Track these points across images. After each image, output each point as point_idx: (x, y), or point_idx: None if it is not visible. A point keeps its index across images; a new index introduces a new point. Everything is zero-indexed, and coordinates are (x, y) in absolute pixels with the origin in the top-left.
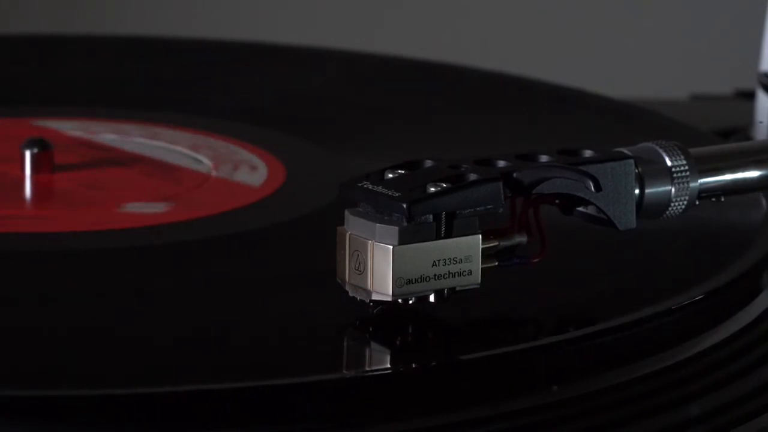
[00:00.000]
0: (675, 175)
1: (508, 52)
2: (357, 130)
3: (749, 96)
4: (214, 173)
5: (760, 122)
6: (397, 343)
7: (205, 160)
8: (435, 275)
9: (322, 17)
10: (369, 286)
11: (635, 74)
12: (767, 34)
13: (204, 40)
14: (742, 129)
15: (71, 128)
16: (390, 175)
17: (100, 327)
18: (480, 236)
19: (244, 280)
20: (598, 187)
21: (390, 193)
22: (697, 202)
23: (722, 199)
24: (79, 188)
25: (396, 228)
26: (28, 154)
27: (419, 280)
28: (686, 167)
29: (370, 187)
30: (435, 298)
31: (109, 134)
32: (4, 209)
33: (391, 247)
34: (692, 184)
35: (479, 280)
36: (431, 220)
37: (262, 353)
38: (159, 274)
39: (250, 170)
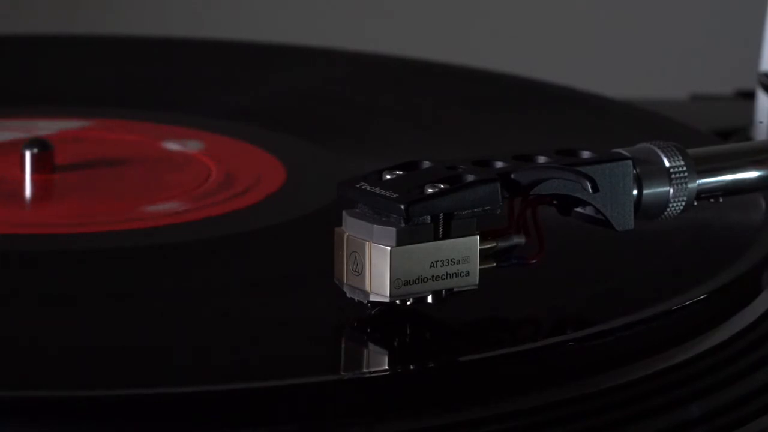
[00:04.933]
0: (673, 175)
1: (508, 52)
2: (357, 130)
3: (749, 96)
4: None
5: (760, 122)
6: (395, 344)
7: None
8: (433, 276)
9: (322, 17)
10: (367, 287)
11: (635, 74)
12: (767, 34)
13: (204, 40)
14: (742, 129)
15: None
16: (388, 176)
17: (99, 327)
18: (478, 237)
19: (243, 280)
20: (595, 188)
21: (388, 194)
22: (695, 203)
23: (721, 200)
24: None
25: (394, 229)
26: (28, 154)
27: (417, 281)
28: (684, 168)
29: (368, 188)
30: (433, 299)
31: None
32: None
33: (388, 248)
34: (690, 185)
35: (477, 281)
36: (429, 221)
37: (260, 354)
38: (159, 274)
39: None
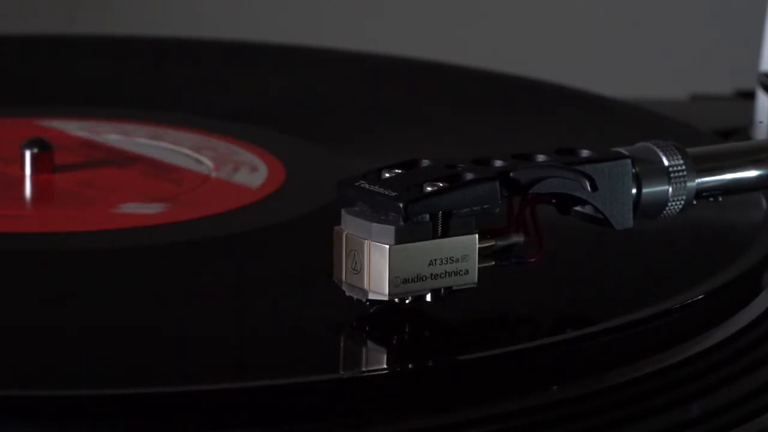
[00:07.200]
0: (672, 174)
1: (508, 52)
2: (357, 130)
3: (749, 96)
4: (214, 173)
5: (760, 122)
6: (394, 343)
7: (206, 161)
8: (432, 275)
9: (322, 17)
10: (366, 286)
11: (635, 74)
12: (767, 34)
13: (204, 40)
14: (742, 129)
15: (72, 128)
16: (387, 175)
17: (98, 327)
18: (477, 236)
19: (243, 280)
20: (594, 187)
21: (387, 193)
22: (694, 202)
23: (720, 199)
24: (78, 188)
25: (393, 227)
26: (28, 154)
27: (416, 279)
28: (683, 167)
29: (367, 186)
30: (432, 297)
31: (109, 134)
32: (4, 209)
33: (387, 246)
34: (689, 184)
35: (476, 280)
36: (428, 219)
37: (259, 353)
38: (158, 275)
39: (251, 170)
